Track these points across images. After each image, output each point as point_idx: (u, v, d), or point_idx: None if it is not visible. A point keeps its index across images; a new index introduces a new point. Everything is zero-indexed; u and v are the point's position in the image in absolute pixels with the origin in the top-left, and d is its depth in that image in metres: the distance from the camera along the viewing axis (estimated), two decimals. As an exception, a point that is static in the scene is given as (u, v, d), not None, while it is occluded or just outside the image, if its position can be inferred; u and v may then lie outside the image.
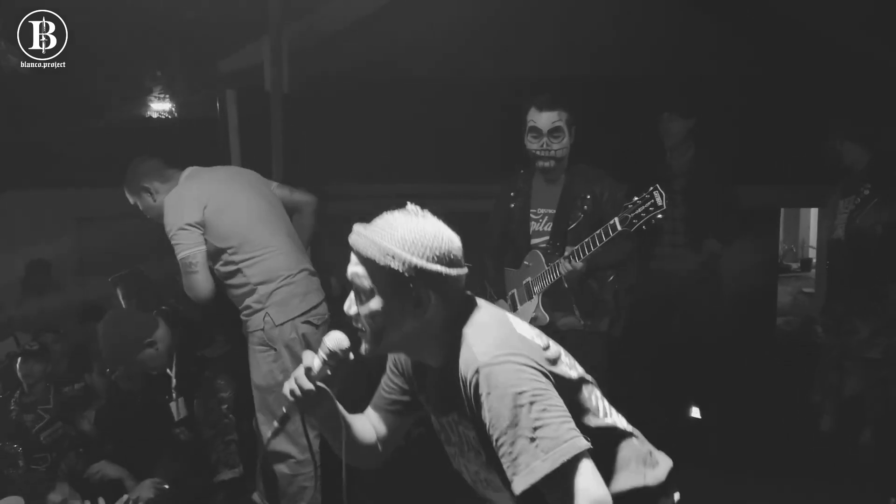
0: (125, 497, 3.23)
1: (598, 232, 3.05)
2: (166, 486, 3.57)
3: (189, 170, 3.47)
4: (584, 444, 1.52)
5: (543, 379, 1.57)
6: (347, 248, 1.72)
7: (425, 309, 1.64)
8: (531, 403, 1.51)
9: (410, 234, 1.63)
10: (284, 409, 1.80)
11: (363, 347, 1.72)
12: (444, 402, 1.75)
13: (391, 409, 1.97)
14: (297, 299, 3.34)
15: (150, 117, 5.63)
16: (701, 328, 4.49)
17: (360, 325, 1.70)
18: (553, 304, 3.31)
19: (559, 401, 1.56)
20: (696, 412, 4.65)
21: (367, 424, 1.99)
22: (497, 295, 3.54)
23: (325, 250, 5.10)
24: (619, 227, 2.97)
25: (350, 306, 1.71)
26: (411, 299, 1.63)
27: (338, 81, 5.32)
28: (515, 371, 1.55)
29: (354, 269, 1.67)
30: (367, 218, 1.74)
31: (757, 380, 5.27)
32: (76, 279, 6.75)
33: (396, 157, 5.50)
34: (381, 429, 1.99)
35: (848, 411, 4.63)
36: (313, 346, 3.35)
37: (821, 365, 4.75)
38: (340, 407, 1.83)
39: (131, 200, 3.52)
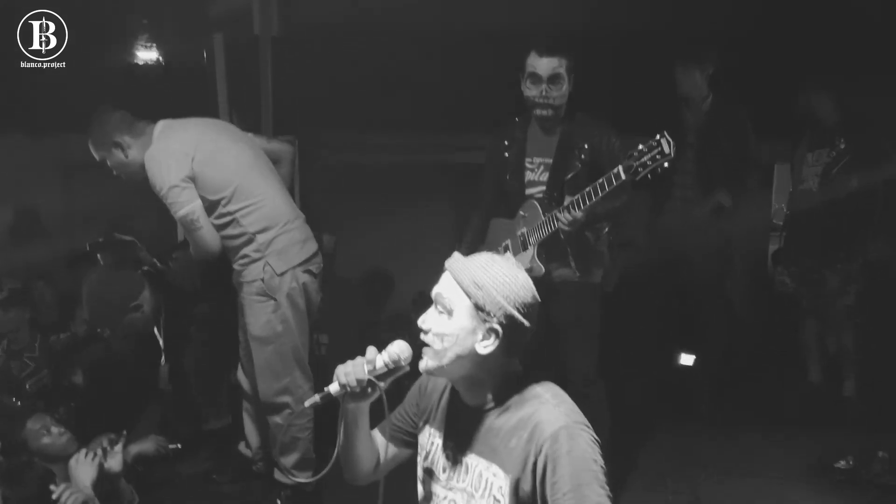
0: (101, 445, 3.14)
1: (599, 181, 2.94)
2: (172, 447, 3.55)
3: (161, 123, 3.32)
4: None
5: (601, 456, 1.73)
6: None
7: (491, 344, 1.77)
8: (599, 477, 1.68)
9: (504, 276, 1.78)
10: (330, 390, 1.87)
11: (423, 363, 1.83)
12: (469, 442, 1.86)
13: (396, 437, 2.09)
14: (296, 247, 3.27)
15: (136, 64, 5.46)
16: (707, 283, 4.47)
17: (427, 341, 1.82)
18: (548, 255, 3.26)
19: None
20: (687, 359, 4.67)
21: (374, 446, 2.07)
22: (473, 244, 3.48)
23: (316, 204, 5.04)
24: (623, 176, 2.85)
25: (424, 321, 1.83)
26: (483, 332, 1.77)
27: (329, 25, 5.17)
28: (593, 442, 1.72)
29: (442, 289, 1.82)
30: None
31: (749, 334, 5.26)
32: (64, 227, 6.68)
33: (388, 106, 5.39)
34: (380, 453, 2.09)
35: (835, 362, 4.68)
36: (313, 295, 3.33)
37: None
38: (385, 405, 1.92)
39: (98, 156, 3.34)
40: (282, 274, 3.21)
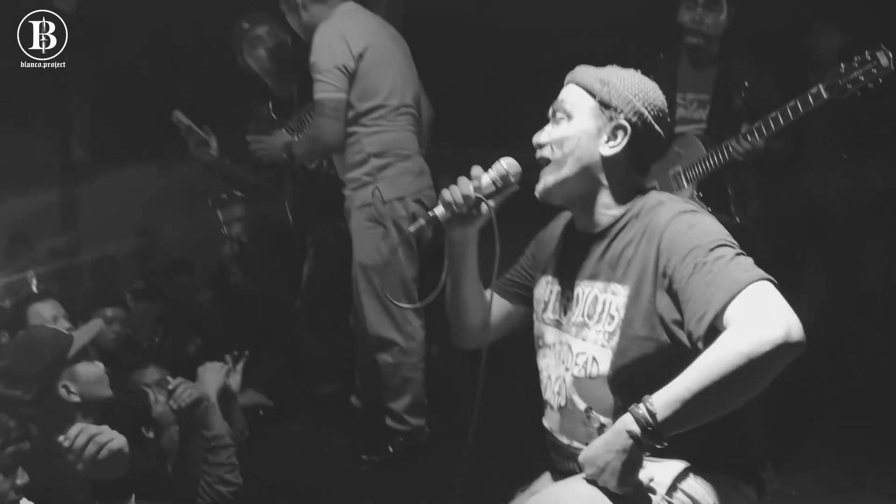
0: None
1: (791, 103, 2.67)
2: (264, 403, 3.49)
3: (349, 5, 3.22)
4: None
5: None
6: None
7: (618, 144, 1.62)
8: (729, 240, 1.50)
9: (633, 76, 1.67)
10: (435, 212, 1.75)
11: (540, 183, 1.70)
12: (586, 271, 1.68)
13: (509, 291, 1.94)
14: (409, 177, 3.17)
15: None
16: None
17: (544, 154, 1.69)
18: (706, 197, 2.99)
19: None
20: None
21: (486, 294, 1.92)
22: None
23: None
24: (824, 96, 2.57)
25: (539, 135, 1.70)
26: (609, 132, 1.62)
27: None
28: (717, 222, 1.56)
29: (562, 96, 1.69)
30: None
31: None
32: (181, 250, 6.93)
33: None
34: (494, 309, 1.92)
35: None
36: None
37: None
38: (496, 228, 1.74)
39: (283, 8, 3.29)
40: (390, 201, 3.12)
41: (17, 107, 6.49)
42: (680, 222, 1.53)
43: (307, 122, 3.52)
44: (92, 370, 2.32)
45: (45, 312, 3.19)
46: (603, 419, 1.59)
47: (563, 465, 1.70)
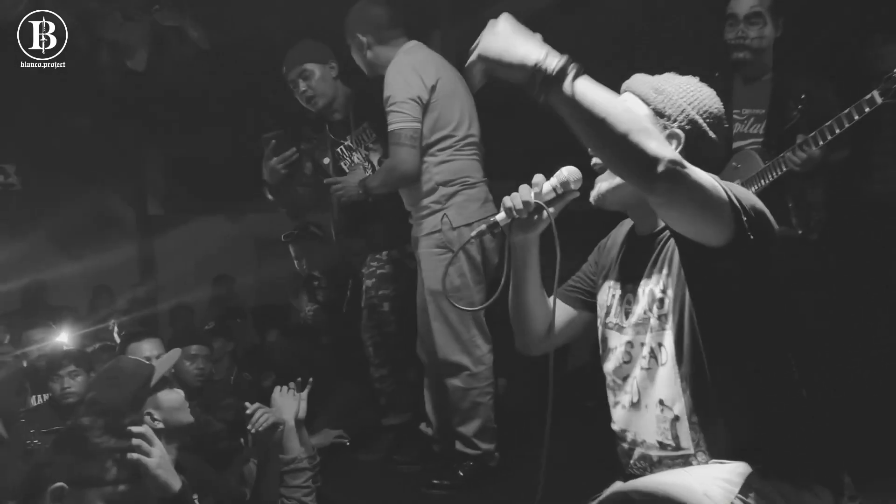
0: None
1: (846, 111, 2.64)
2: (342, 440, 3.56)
3: (413, 42, 3.36)
4: None
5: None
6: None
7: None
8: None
9: (688, 84, 1.70)
10: (496, 219, 1.82)
11: (595, 190, 1.74)
12: (643, 271, 1.72)
13: (572, 297, 1.97)
14: (476, 204, 3.24)
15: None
16: None
17: (599, 163, 1.73)
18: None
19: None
20: None
21: (547, 301, 1.94)
22: None
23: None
24: (878, 101, 2.54)
25: None
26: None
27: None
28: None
29: None
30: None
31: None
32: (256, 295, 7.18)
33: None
34: (557, 315, 1.95)
35: None
36: (490, 253, 3.28)
37: None
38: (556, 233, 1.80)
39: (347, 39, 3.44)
40: (458, 228, 3.18)
41: (95, 167, 6.88)
42: None
43: (364, 141, 3.61)
44: (173, 397, 2.41)
45: (144, 351, 3.35)
46: (676, 409, 1.60)
47: (633, 468, 1.71)
